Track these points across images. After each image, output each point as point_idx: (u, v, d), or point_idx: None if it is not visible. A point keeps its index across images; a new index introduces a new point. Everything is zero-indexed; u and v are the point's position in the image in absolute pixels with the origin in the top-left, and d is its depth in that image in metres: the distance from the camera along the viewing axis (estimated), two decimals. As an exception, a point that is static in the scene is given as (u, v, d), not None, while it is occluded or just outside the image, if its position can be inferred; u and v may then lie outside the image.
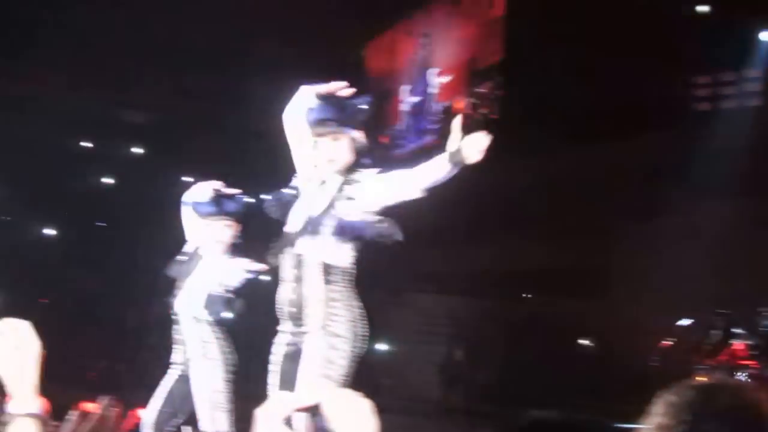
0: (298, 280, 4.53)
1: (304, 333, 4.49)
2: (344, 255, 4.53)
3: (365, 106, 4.59)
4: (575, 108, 12.15)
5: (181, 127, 17.08)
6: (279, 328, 4.66)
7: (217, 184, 5.82)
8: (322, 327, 4.43)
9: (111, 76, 15.48)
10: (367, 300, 4.61)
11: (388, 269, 14.66)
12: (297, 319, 4.52)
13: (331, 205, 4.49)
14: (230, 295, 5.61)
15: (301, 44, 13.83)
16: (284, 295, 4.58)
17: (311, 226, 4.51)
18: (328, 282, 4.47)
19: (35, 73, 15.40)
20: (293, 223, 4.62)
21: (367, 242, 4.54)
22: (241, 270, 5.39)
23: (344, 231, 4.44)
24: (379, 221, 4.49)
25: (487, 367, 14.07)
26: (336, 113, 4.47)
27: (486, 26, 13.18)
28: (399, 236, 4.52)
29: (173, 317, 5.82)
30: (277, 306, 4.61)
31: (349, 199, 4.47)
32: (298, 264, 4.53)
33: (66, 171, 17.16)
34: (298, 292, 4.52)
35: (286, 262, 4.59)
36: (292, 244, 4.56)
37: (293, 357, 4.52)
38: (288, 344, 4.63)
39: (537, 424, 1.48)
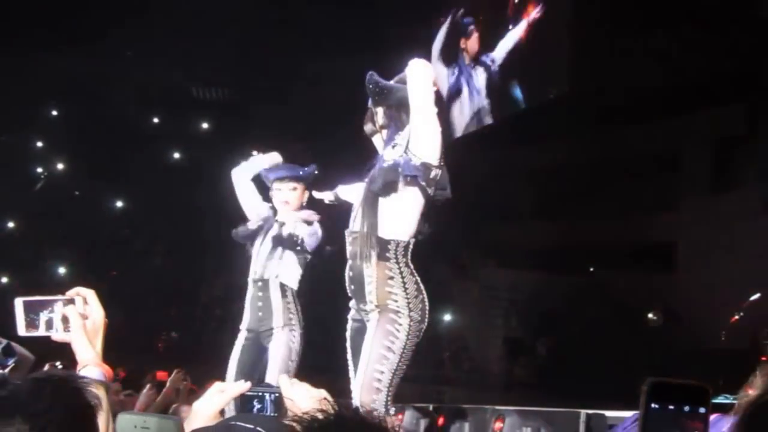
0: (354, 257, 4.54)
1: (366, 311, 4.51)
2: (399, 228, 4.50)
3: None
4: (645, 81, 11.96)
5: (248, 102, 17.20)
6: (350, 304, 4.70)
7: (275, 156, 5.99)
8: (381, 305, 4.44)
9: (180, 52, 15.63)
10: (431, 273, 4.60)
11: (452, 243, 14.69)
12: (358, 296, 4.55)
13: (391, 165, 4.48)
14: (302, 257, 5.72)
15: (366, 19, 13.78)
16: (346, 273, 4.62)
17: (366, 200, 4.52)
18: (380, 258, 4.46)
19: (105, 51, 15.63)
20: (355, 196, 4.66)
21: (423, 203, 4.51)
22: (310, 230, 5.50)
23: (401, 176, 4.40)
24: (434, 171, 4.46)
25: (551, 341, 14.03)
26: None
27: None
28: (449, 193, 4.52)
29: (248, 284, 5.92)
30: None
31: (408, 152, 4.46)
32: (353, 241, 4.55)
33: (136, 146, 17.41)
34: (356, 269, 4.54)
35: (346, 239, 4.62)
36: (352, 221, 4.59)
37: (360, 332, 4.57)
38: (354, 320, 4.68)
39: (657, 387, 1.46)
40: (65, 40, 14.89)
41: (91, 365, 2.30)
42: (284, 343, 5.72)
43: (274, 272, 5.77)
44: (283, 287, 5.76)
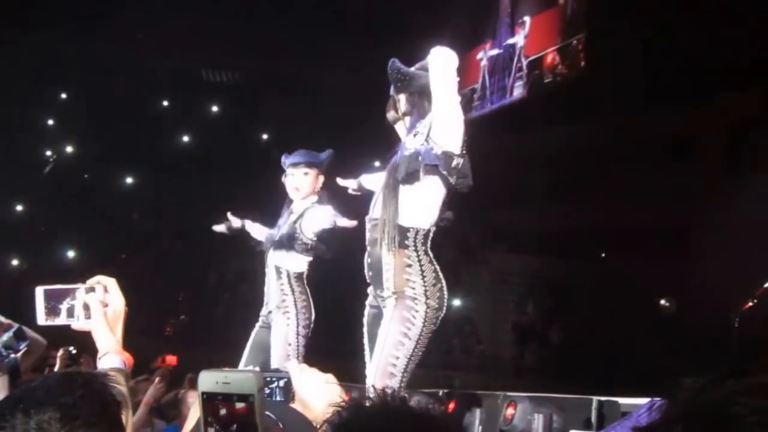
0: (373, 244, 4.53)
1: (383, 297, 4.50)
2: (419, 216, 4.48)
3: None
4: (661, 64, 11.88)
5: (259, 86, 17.19)
6: (368, 290, 4.69)
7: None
8: (398, 291, 4.42)
9: (190, 36, 15.60)
10: (441, 259, 4.58)
11: (462, 228, 14.67)
12: (376, 282, 4.54)
13: (412, 155, 4.45)
14: (312, 244, 5.72)
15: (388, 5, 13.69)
16: (365, 259, 4.61)
17: (387, 187, 4.49)
18: (399, 245, 4.44)
19: (118, 35, 15.62)
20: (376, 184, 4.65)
21: (444, 189, 4.48)
22: (325, 218, 5.52)
23: (421, 163, 4.37)
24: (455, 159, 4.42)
25: (562, 327, 14.00)
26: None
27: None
28: (470, 181, 4.48)
29: (265, 269, 5.95)
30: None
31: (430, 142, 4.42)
32: (373, 228, 4.54)
33: (145, 129, 17.42)
34: (374, 256, 4.52)
35: (366, 225, 4.61)
36: (372, 207, 4.58)
37: (377, 318, 4.56)
38: (372, 306, 4.67)
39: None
40: (74, 22, 14.89)
41: (111, 353, 2.31)
42: (279, 326, 5.75)
43: (272, 256, 5.83)
44: (278, 269, 5.80)
